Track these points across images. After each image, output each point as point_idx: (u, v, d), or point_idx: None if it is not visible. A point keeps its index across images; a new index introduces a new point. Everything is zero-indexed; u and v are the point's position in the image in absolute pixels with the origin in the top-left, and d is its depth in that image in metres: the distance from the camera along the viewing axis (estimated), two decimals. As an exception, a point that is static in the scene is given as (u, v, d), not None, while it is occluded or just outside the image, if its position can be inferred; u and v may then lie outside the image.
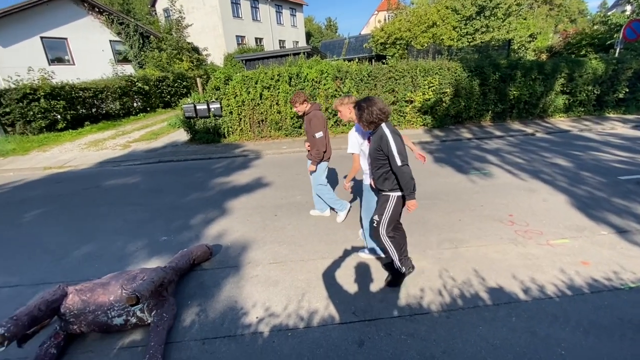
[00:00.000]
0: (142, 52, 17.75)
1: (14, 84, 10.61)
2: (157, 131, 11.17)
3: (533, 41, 18.50)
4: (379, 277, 2.95)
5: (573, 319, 2.38)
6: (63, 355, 2.30)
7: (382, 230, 2.68)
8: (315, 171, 3.87)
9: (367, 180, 3.00)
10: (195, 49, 19.49)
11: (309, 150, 3.85)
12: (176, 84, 16.07)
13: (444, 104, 9.58)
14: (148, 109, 14.85)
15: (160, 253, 3.58)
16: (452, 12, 17.99)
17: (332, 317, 2.52)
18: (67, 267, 3.43)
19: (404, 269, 2.80)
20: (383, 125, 2.53)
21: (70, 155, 8.96)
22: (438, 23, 18.32)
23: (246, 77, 9.24)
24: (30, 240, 4.09)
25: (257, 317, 2.56)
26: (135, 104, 14.24)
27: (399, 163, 2.42)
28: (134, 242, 3.86)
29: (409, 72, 9.27)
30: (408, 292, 2.75)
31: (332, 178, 5.62)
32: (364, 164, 3.02)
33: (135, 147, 9.29)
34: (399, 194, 2.62)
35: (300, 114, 3.78)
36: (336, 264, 3.20)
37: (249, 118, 9.44)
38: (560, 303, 2.54)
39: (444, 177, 5.54)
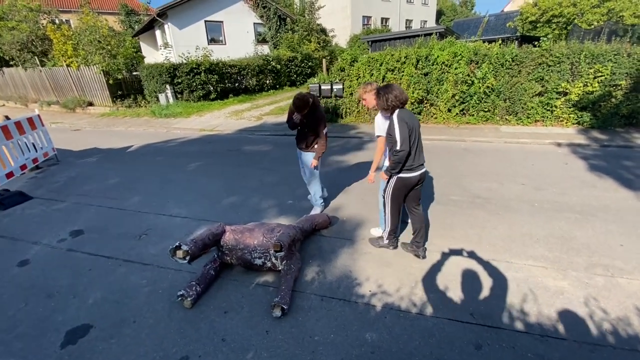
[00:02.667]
0: (278, 34, 19.58)
1: (185, 60, 13.24)
2: (284, 107, 12.35)
3: None
4: (505, 286, 2.69)
5: None
6: (218, 278, 2.93)
7: (387, 205, 3.03)
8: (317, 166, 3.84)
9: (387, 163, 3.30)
10: (323, 31, 20.37)
11: (304, 140, 3.73)
12: (303, 64, 17.28)
13: (613, 100, 7.62)
14: (277, 86, 16.49)
15: (287, 213, 4.09)
16: (645, -21, 13.84)
17: (447, 311, 2.45)
18: (219, 210, 4.28)
19: (386, 241, 3.20)
20: (396, 111, 2.75)
21: (218, 121, 10.81)
22: (620, -6, 14.35)
23: (372, 58, 9.24)
24: (193, 185, 5.22)
25: (370, 291, 2.70)
26: (267, 81, 16.01)
27: (398, 147, 2.69)
28: (267, 200, 4.51)
29: (569, 58, 7.64)
30: (540, 310, 2.43)
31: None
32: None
33: (266, 120, 10.56)
34: (399, 175, 2.86)
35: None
36: (455, 261, 3.05)
37: (368, 100, 9.49)
38: None
39: (602, 190, 4.50)
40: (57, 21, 17.08)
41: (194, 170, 5.98)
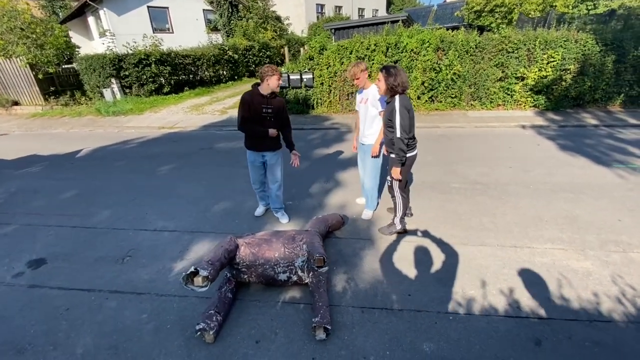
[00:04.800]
0: (230, 21, 18.39)
1: (131, 50, 11.82)
2: (248, 99, 11.65)
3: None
4: (538, 274, 2.68)
5: None
6: (235, 300, 2.54)
7: (395, 188, 3.10)
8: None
9: (367, 141, 3.35)
10: (278, 18, 19.60)
11: (272, 137, 3.19)
12: (261, 54, 16.49)
13: (563, 83, 8.29)
14: (235, 77, 15.56)
15: (291, 216, 3.73)
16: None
17: (494, 308, 2.36)
18: (213, 219, 3.78)
19: (399, 226, 3.25)
20: (397, 97, 2.76)
21: (177, 117, 9.86)
22: (553, -14, 15.67)
23: (341, 46, 8.99)
24: (173, 191, 4.60)
25: (409, 295, 2.52)
26: (224, 72, 15.00)
27: (398, 134, 2.76)
28: (263, 203, 4.10)
29: (525, 44, 8.10)
30: (579, 294, 2.45)
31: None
32: (361, 125, 3.36)
33: (231, 114, 9.86)
34: (407, 155, 2.94)
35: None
36: (482, 252, 2.99)
37: (339, 90, 9.28)
38: None
39: (580, 168, 4.82)
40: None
41: (167, 174, 5.29)
